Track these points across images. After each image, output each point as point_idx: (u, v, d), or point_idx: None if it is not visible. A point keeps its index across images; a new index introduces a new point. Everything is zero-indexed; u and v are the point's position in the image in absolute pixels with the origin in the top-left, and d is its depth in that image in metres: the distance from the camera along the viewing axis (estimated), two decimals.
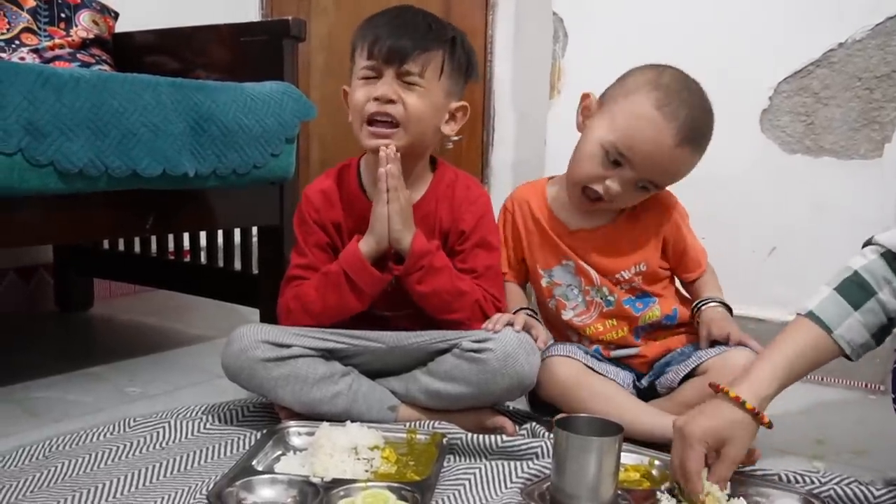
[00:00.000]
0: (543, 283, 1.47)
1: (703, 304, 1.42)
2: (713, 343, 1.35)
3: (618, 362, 1.44)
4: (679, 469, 1.04)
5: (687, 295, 1.50)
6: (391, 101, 1.30)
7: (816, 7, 1.72)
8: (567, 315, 1.45)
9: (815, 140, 1.75)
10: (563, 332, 1.48)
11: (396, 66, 1.30)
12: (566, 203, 1.45)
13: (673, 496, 1.06)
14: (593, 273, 1.43)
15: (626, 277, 1.42)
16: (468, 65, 1.38)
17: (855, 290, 1.11)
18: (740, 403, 1.05)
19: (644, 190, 1.36)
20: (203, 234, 2.02)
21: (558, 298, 1.46)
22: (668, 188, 1.42)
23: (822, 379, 1.73)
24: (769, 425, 1.07)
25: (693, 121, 1.30)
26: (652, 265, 1.43)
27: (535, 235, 1.47)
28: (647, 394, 1.40)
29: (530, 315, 1.43)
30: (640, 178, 1.33)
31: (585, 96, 1.41)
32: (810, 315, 1.11)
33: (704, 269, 1.48)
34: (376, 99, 1.30)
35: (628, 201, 1.39)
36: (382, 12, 1.35)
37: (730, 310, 1.42)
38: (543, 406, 1.39)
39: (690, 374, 1.33)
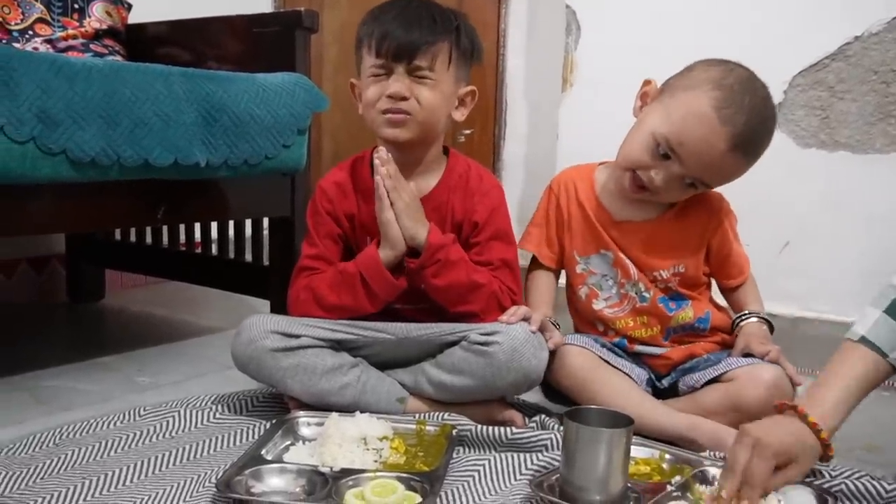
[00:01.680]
0: (578, 269, 1.44)
1: (745, 319, 1.40)
2: (746, 356, 1.32)
3: (637, 358, 1.41)
4: (743, 475, 1.00)
5: (724, 302, 1.47)
6: (404, 98, 1.31)
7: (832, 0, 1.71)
8: (598, 305, 1.42)
9: (830, 134, 1.74)
10: (589, 321, 1.45)
11: (406, 62, 1.30)
12: (614, 192, 1.41)
13: (682, 492, 1.05)
14: (632, 267, 1.40)
15: (664, 277, 1.40)
16: (473, 49, 1.38)
17: None
18: (816, 430, 1.04)
19: (692, 187, 1.33)
20: (214, 226, 2.03)
21: (591, 286, 1.43)
22: (718, 190, 1.39)
23: None
24: (829, 459, 1.08)
25: (751, 129, 1.25)
26: (690, 269, 1.40)
27: (577, 220, 1.43)
28: (664, 394, 1.38)
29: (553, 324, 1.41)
30: (687, 175, 1.30)
31: (647, 82, 1.37)
32: (863, 341, 1.10)
33: (746, 277, 1.45)
34: (389, 96, 1.31)
35: (674, 196, 1.36)
36: (387, 6, 1.35)
37: (771, 327, 1.40)
38: (558, 396, 1.38)
39: (715, 380, 1.31)
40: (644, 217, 1.41)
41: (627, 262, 1.40)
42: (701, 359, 1.37)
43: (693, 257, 1.41)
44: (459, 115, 1.40)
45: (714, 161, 1.27)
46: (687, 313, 1.40)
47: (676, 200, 1.38)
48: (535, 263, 1.50)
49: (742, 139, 1.25)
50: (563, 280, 1.50)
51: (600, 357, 1.35)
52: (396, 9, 1.34)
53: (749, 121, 1.25)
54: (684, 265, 1.40)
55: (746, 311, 1.41)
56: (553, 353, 1.33)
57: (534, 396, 1.44)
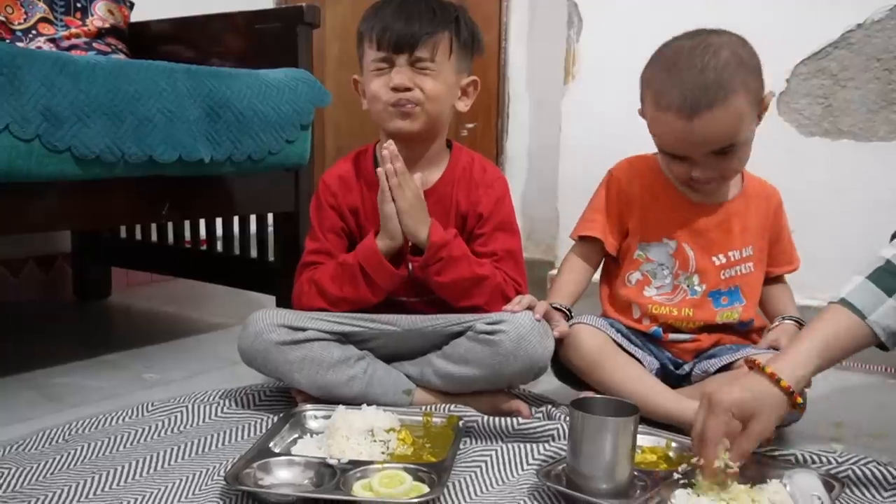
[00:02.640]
0: (635, 255, 1.42)
1: (784, 319, 1.40)
2: (770, 348, 1.31)
3: (653, 344, 1.41)
4: (698, 436, 1.03)
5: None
6: (408, 89, 1.31)
7: None
8: (649, 292, 1.40)
9: (834, 122, 1.73)
10: (625, 306, 1.42)
11: (407, 54, 1.31)
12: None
13: (689, 480, 1.05)
14: (692, 259, 1.38)
15: (735, 259, 1.39)
16: (473, 39, 1.39)
17: (888, 278, 1.10)
18: (775, 380, 1.04)
19: (725, 154, 1.28)
20: (219, 222, 2.03)
21: (645, 273, 1.41)
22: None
23: (842, 363, 1.71)
24: (801, 406, 1.07)
25: (691, 90, 1.22)
26: (757, 251, 1.40)
27: (643, 207, 1.41)
28: (679, 380, 1.38)
29: (558, 309, 1.40)
30: (705, 157, 1.28)
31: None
32: (843, 302, 1.10)
33: (797, 267, 1.46)
34: (393, 89, 1.31)
35: (727, 170, 1.32)
36: (387, 1, 1.36)
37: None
38: (568, 376, 1.39)
39: (728, 367, 1.31)
40: (717, 200, 1.40)
41: (689, 252, 1.39)
42: (724, 347, 1.37)
43: (761, 240, 1.41)
44: (463, 105, 1.41)
45: (700, 137, 1.25)
46: (733, 314, 1.39)
47: (735, 170, 1.35)
48: (577, 249, 1.48)
49: (692, 104, 1.22)
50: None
51: (613, 340, 1.35)
52: (396, 3, 1.35)
53: (683, 85, 1.23)
54: (752, 247, 1.40)
55: (787, 315, 1.41)
56: (560, 340, 1.33)
57: (540, 387, 1.45)
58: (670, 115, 1.25)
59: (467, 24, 1.38)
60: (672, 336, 1.40)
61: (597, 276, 1.51)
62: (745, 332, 1.42)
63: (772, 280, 1.46)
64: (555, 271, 2.13)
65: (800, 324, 1.39)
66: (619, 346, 1.35)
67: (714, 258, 1.39)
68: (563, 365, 1.37)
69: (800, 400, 1.06)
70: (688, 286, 1.39)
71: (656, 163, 1.43)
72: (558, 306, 1.41)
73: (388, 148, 1.29)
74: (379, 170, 1.30)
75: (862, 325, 1.09)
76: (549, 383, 1.44)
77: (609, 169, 1.47)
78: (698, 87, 1.23)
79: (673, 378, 1.39)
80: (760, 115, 1.31)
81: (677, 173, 1.35)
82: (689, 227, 1.39)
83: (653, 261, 1.41)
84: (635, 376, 1.31)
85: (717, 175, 1.32)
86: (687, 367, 1.39)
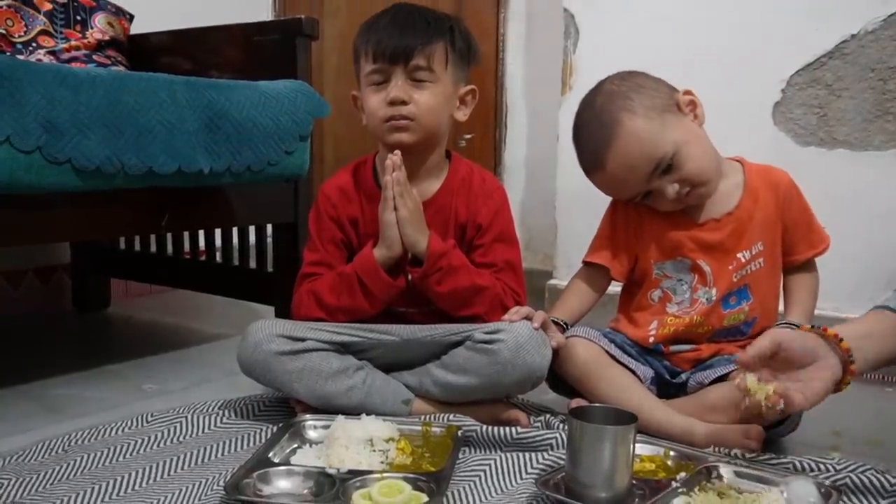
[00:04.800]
0: (654, 274, 1.42)
1: (779, 325, 1.37)
2: None
3: (651, 355, 1.41)
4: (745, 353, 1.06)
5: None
6: (404, 103, 1.32)
7: None
8: (671, 308, 1.41)
9: (829, 132, 1.74)
10: (644, 324, 1.42)
11: (403, 64, 1.32)
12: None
13: (687, 489, 1.06)
14: (709, 274, 1.38)
15: (745, 259, 1.38)
16: (469, 49, 1.40)
17: None
18: (837, 340, 1.06)
19: (671, 168, 1.32)
20: (218, 233, 2.04)
21: (665, 290, 1.41)
22: (779, 169, 1.44)
23: None
24: (848, 378, 1.08)
25: (589, 147, 1.36)
26: (769, 243, 1.39)
27: (652, 229, 1.42)
28: (675, 390, 1.39)
29: (556, 322, 1.41)
30: (657, 181, 1.33)
31: None
32: (884, 307, 1.12)
33: (822, 249, 1.43)
34: (390, 103, 1.32)
35: (689, 178, 1.33)
36: (379, 15, 1.38)
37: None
38: (563, 387, 1.39)
39: (723, 378, 1.30)
40: (723, 210, 1.39)
41: (706, 268, 1.39)
42: (722, 357, 1.37)
43: (771, 233, 1.40)
44: (461, 115, 1.42)
45: (622, 175, 1.34)
46: (739, 315, 1.39)
47: (706, 183, 1.36)
48: (582, 274, 1.49)
49: (595, 159, 1.35)
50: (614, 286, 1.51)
51: (607, 352, 1.36)
52: (389, 16, 1.36)
53: (587, 144, 1.37)
54: (762, 242, 1.39)
55: (785, 321, 1.39)
56: (555, 352, 1.33)
57: (538, 396, 1.45)
58: (593, 174, 1.38)
59: (462, 34, 1.39)
60: (673, 347, 1.40)
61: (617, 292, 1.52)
62: (747, 337, 1.40)
63: (797, 268, 1.43)
64: (553, 281, 2.14)
65: (795, 327, 1.38)
66: (613, 357, 1.36)
67: (729, 266, 1.39)
68: (558, 376, 1.38)
69: (854, 369, 1.06)
70: (706, 299, 1.39)
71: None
72: (556, 319, 1.42)
73: (393, 158, 1.30)
74: (386, 178, 1.31)
75: None
76: (547, 393, 1.44)
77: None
78: (591, 141, 1.36)
79: (669, 387, 1.39)
80: (688, 112, 1.36)
81: (659, 206, 1.38)
82: (700, 243, 1.39)
83: (671, 277, 1.41)
84: (627, 389, 1.32)
85: (685, 186, 1.33)
86: (684, 377, 1.39)
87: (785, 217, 1.41)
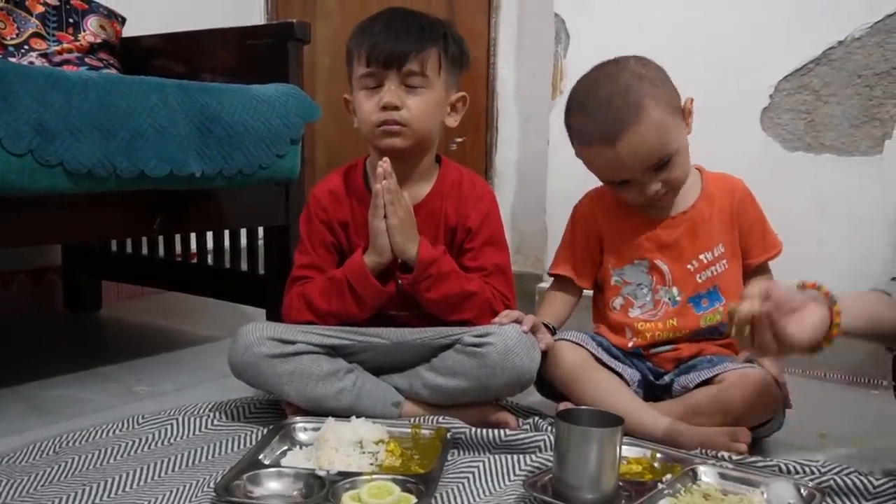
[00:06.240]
0: (612, 281, 1.45)
1: None
2: (749, 361, 1.32)
3: (635, 357, 1.42)
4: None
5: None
6: (397, 108, 1.33)
7: (816, 5, 1.73)
8: (634, 313, 1.43)
9: (816, 137, 1.76)
10: (619, 330, 1.44)
11: (397, 70, 1.33)
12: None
13: (673, 491, 1.07)
14: (667, 273, 1.41)
15: (708, 261, 1.41)
16: (461, 55, 1.41)
17: None
18: (829, 298, 1.05)
19: (664, 166, 1.34)
20: (210, 236, 2.04)
21: (626, 296, 1.44)
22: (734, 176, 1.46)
23: (825, 375, 1.73)
24: (833, 336, 1.05)
25: (605, 120, 1.32)
26: (729, 245, 1.42)
27: (611, 233, 1.46)
28: (660, 391, 1.40)
29: (545, 325, 1.42)
30: (646, 174, 1.34)
31: None
32: (879, 290, 1.14)
33: (775, 254, 1.46)
34: (383, 108, 1.33)
35: (671, 181, 1.37)
36: (373, 18, 1.39)
37: None
38: (550, 391, 1.41)
39: (708, 381, 1.32)
40: (678, 210, 1.43)
41: (664, 267, 1.42)
42: (704, 358, 1.38)
43: (729, 234, 1.43)
44: (452, 120, 1.43)
45: (627, 160, 1.32)
46: (714, 315, 1.41)
47: (678, 178, 1.38)
48: (554, 285, 1.53)
49: (609, 133, 1.31)
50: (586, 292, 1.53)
51: (594, 355, 1.37)
52: (383, 20, 1.37)
53: (595, 117, 1.33)
54: (722, 244, 1.42)
55: None
56: (544, 354, 1.35)
57: (526, 399, 1.46)
58: (596, 148, 1.35)
59: (455, 40, 1.40)
60: (653, 350, 1.42)
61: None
62: (726, 337, 1.42)
63: (753, 271, 1.47)
64: (543, 284, 2.15)
65: None
66: (600, 360, 1.37)
67: (688, 265, 1.42)
68: (545, 379, 1.39)
69: (838, 321, 1.04)
70: (668, 299, 1.42)
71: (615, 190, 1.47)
72: (545, 322, 1.43)
73: (383, 165, 1.30)
74: (377, 186, 1.31)
75: None
76: (535, 395, 1.45)
77: (574, 205, 1.53)
78: (611, 115, 1.32)
79: (654, 389, 1.41)
80: (687, 121, 1.38)
81: (629, 198, 1.40)
82: (657, 242, 1.43)
83: (630, 283, 1.45)
84: (614, 392, 1.33)
85: (666, 188, 1.36)
86: (667, 378, 1.40)
87: (740, 221, 1.45)
